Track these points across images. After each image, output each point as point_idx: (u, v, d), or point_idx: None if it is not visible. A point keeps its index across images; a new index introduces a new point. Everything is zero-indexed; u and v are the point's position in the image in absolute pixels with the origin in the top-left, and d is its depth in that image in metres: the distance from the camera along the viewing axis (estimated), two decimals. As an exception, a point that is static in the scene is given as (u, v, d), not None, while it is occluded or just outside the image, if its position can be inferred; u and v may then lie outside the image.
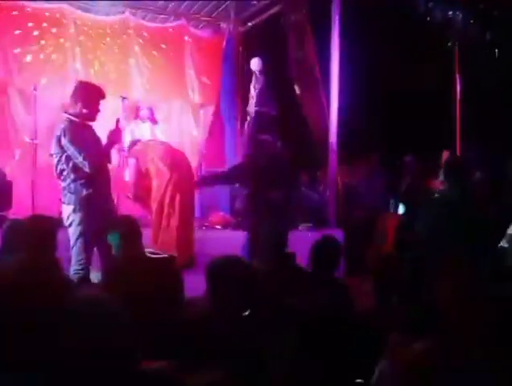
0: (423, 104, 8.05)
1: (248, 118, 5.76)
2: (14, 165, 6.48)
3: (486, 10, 6.45)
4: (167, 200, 5.23)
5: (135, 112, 6.62)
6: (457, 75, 6.26)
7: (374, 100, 8.30)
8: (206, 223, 6.30)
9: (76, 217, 4.09)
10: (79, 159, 4.04)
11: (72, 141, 4.04)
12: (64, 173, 4.12)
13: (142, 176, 5.40)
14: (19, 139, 6.55)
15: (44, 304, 2.47)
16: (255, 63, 5.30)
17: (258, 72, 5.20)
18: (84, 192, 4.10)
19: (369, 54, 7.82)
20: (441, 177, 4.84)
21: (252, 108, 5.65)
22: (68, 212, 4.12)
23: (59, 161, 4.12)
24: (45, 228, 3.63)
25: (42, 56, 6.79)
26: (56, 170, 4.16)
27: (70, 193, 4.11)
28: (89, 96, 4.21)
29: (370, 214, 6.65)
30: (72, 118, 4.13)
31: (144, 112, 6.55)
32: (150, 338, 2.56)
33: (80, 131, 4.12)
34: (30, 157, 6.04)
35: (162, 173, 5.30)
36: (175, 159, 5.48)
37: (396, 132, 8.45)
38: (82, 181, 4.11)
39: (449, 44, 6.38)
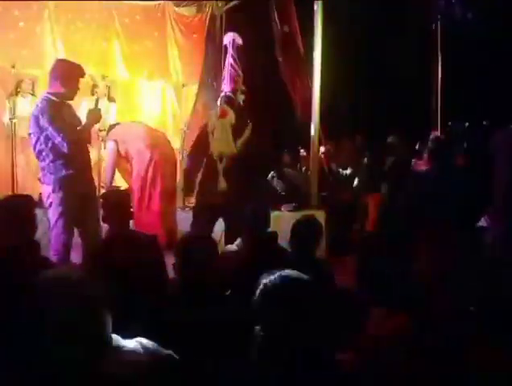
0: (405, 84, 8.05)
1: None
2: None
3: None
4: (148, 181, 5.19)
5: (91, 89, 6.47)
6: (439, 55, 6.25)
7: (358, 80, 8.28)
8: (188, 204, 6.27)
9: (56, 197, 4.05)
10: (57, 139, 3.98)
11: (51, 121, 3.96)
12: (43, 153, 4.05)
13: (122, 158, 5.34)
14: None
15: (18, 280, 2.48)
16: (227, 38, 5.11)
17: (229, 46, 5.01)
18: (64, 172, 4.05)
19: (352, 29, 7.79)
20: (425, 156, 4.89)
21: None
22: (48, 192, 4.08)
23: (37, 141, 4.04)
24: (22, 207, 3.58)
25: (20, 36, 6.65)
26: (35, 149, 4.09)
27: (49, 173, 4.06)
28: (68, 74, 4.12)
29: (355, 194, 6.68)
30: (51, 97, 4.06)
31: (102, 90, 6.43)
32: (132, 313, 2.58)
33: (58, 110, 4.04)
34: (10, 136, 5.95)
35: (142, 154, 5.24)
36: (155, 140, 5.43)
37: (380, 113, 8.47)
38: (61, 161, 4.04)
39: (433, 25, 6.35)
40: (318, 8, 6.23)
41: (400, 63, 7.87)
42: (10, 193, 5.56)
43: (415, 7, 6.17)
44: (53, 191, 4.05)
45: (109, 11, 7.17)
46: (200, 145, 4.67)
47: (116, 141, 5.33)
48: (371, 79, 8.43)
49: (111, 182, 5.38)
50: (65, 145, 3.97)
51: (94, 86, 6.51)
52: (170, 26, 7.60)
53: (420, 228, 3.68)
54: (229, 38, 4.91)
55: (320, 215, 5.72)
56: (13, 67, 5.99)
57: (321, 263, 3.58)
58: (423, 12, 6.18)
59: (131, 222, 4.28)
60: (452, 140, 6.07)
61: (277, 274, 1.89)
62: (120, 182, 5.96)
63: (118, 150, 5.25)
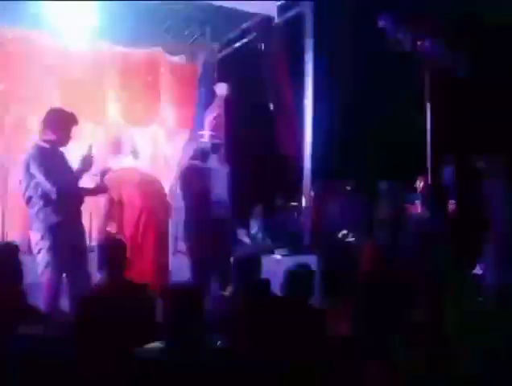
0: (396, 132, 8.18)
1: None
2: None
3: (454, 36, 6.62)
4: (140, 228, 5.16)
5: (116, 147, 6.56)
6: (428, 104, 6.39)
7: (349, 127, 8.41)
8: (179, 249, 6.24)
9: (45, 244, 4.02)
10: (47, 186, 3.98)
11: (40, 168, 3.98)
12: (33, 200, 4.05)
13: (115, 207, 5.32)
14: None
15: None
16: (219, 88, 5.24)
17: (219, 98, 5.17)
18: (53, 220, 4.03)
19: (342, 82, 7.96)
20: (418, 202, 4.94)
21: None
22: (36, 239, 4.05)
23: (27, 187, 4.05)
24: (7, 256, 3.54)
25: (14, 82, 6.73)
26: (24, 196, 4.09)
27: (38, 220, 4.04)
28: (60, 122, 4.17)
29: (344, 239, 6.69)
30: (41, 144, 4.08)
31: (127, 146, 6.50)
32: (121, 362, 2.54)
33: (49, 158, 4.07)
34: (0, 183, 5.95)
35: (134, 201, 5.23)
36: (147, 186, 5.43)
37: (372, 158, 8.56)
38: (50, 208, 4.04)
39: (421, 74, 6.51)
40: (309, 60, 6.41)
41: (389, 113, 8.03)
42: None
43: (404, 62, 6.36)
44: (42, 238, 4.02)
45: (102, 58, 7.28)
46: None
47: (109, 188, 5.33)
48: (359, 125, 8.57)
49: (105, 229, 5.35)
50: (54, 191, 3.96)
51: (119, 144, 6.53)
52: (163, 74, 7.73)
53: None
54: (220, 88, 5.06)
55: (312, 260, 5.74)
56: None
57: (315, 311, 3.57)
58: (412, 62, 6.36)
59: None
60: (445, 185, 6.14)
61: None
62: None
63: (111, 197, 5.24)
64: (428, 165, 6.38)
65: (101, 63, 7.26)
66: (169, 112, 7.68)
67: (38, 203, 4.03)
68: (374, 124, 8.34)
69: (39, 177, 3.98)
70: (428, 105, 6.34)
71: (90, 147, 4.31)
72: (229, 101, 5.01)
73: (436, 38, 6.27)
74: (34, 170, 3.98)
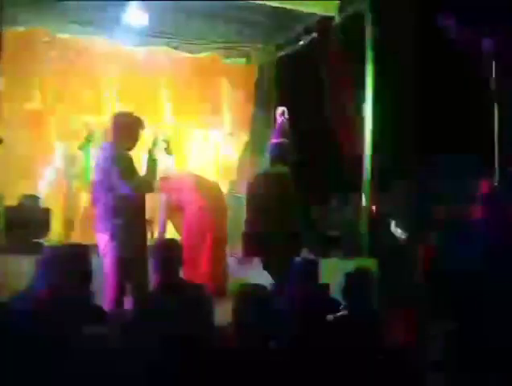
0: (459, 132, 7.92)
1: None
2: (50, 193, 6.59)
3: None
4: (199, 231, 5.20)
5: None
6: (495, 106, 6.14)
7: (410, 128, 8.20)
8: (235, 251, 6.25)
9: (113, 245, 4.10)
10: (125, 189, 4.07)
11: (122, 171, 4.04)
12: (102, 200, 4.14)
13: (174, 210, 5.39)
14: (56, 168, 6.68)
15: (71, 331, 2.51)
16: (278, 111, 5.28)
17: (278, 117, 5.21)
18: (120, 222, 4.12)
19: (404, 77, 7.77)
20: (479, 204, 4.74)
21: None
22: (105, 240, 4.13)
23: (99, 188, 4.13)
24: (79, 257, 3.63)
25: (75, 89, 6.96)
26: (93, 197, 4.17)
27: (106, 220, 4.13)
28: (129, 126, 4.26)
29: (403, 242, 6.51)
30: (119, 148, 4.16)
31: (161, 145, 6.58)
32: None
33: (128, 162, 4.14)
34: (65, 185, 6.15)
35: (193, 203, 5.28)
36: (206, 190, 5.47)
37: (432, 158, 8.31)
38: (119, 209, 4.12)
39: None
40: (369, 57, 6.28)
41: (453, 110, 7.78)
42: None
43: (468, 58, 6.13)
44: (110, 239, 4.09)
45: (161, 63, 7.42)
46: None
47: (168, 193, 5.40)
48: (420, 125, 8.34)
49: (163, 234, 5.42)
50: (132, 196, 4.05)
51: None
52: (219, 77, 7.80)
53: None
54: (279, 111, 5.14)
55: (372, 263, 5.63)
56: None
57: (376, 315, 3.49)
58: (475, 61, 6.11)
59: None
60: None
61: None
62: (172, 234, 6.02)
63: (170, 202, 5.30)
64: (496, 166, 6.10)
65: (159, 67, 7.40)
66: (227, 114, 7.74)
67: (108, 205, 4.10)
68: (435, 124, 8.10)
69: (118, 180, 4.04)
70: (496, 106, 6.07)
71: (152, 152, 4.37)
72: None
73: (502, 37, 6.00)
74: (114, 172, 4.02)
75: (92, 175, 4.24)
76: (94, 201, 4.18)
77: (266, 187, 4.67)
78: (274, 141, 4.98)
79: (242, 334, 2.56)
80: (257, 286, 2.76)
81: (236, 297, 2.68)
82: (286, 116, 5.15)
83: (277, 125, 5.16)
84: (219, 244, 5.32)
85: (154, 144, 6.57)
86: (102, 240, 4.12)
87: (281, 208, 4.58)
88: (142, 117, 4.36)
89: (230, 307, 2.70)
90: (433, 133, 8.19)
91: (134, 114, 4.38)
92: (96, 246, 4.14)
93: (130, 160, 4.14)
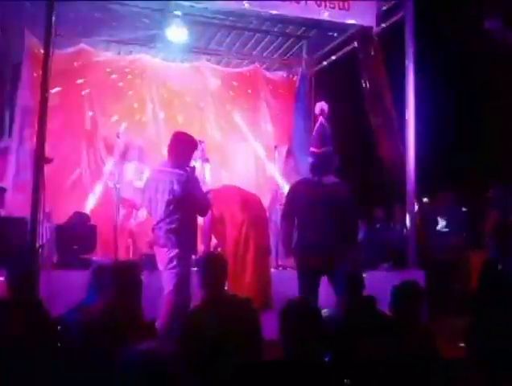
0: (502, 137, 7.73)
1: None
2: (98, 209, 6.76)
3: None
4: (241, 243, 5.23)
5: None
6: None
7: (453, 133, 8.06)
8: (281, 263, 6.25)
9: (180, 260, 4.20)
10: (203, 205, 4.40)
11: (199, 188, 4.43)
12: (175, 216, 4.24)
13: (217, 223, 5.44)
14: (103, 184, 6.85)
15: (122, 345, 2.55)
16: (317, 107, 5.17)
17: (320, 115, 5.06)
18: (185, 234, 4.26)
19: (445, 87, 7.65)
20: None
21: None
22: (169, 256, 4.22)
23: (174, 204, 4.24)
24: (132, 273, 3.70)
25: (123, 106, 7.15)
26: (166, 212, 4.27)
27: (175, 236, 4.22)
28: (186, 146, 4.40)
29: (452, 253, 6.37)
30: (186, 169, 4.33)
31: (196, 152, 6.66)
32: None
33: (197, 181, 4.44)
34: (113, 201, 6.28)
35: (235, 216, 5.32)
36: (247, 202, 5.50)
37: (479, 165, 8.13)
38: (186, 224, 4.28)
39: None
40: (410, 64, 6.23)
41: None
42: (112, 255, 5.88)
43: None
44: (178, 254, 4.20)
45: (202, 79, 7.54)
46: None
47: (211, 207, 5.46)
48: (463, 135, 8.18)
49: (208, 247, 5.49)
50: (207, 208, 4.49)
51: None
52: (261, 90, 7.86)
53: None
54: (318, 107, 4.98)
55: (419, 275, 5.52)
56: (117, 136, 6.40)
57: (424, 329, 3.41)
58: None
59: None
60: None
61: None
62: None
63: (213, 214, 5.36)
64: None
65: (201, 82, 7.52)
66: (269, 126, 7.78)
67: (177, 221, 4.22)
68: (478, 132, 7.93)
69: (198, 196, 4.32)
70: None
71: (194, 169, 4.49)
72: (326, 117, 4.93)
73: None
74: (193, 189, 4.29)
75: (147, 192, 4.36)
76: (166, 215, 4.26)
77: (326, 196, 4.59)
78: (314, 150, 4.85)
79: (290, 348, 2.55)
80: (303, 300, 2.75)
81: (283, 311, 2.67)
82: (326, 110, 4.97)
83: (317, 129, 4.96)
84: (262, 256, 5.33)
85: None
86: (166, 255, 4.22)
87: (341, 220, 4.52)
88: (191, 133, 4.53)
89: (276, 320, 2.71)
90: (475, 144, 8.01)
91: (188, 134, 4.53)
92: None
93: (194, 178, 4.40)
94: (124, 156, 6.69)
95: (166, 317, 4.07)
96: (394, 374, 2.84)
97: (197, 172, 4.74)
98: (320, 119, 4.89)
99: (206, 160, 6.66)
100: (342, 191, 4.59)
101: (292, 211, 4.65)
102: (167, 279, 4.22)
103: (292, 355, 2.49)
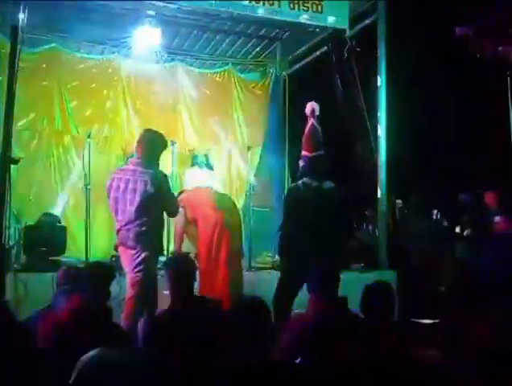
0: (475, 141, 7.84)
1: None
2: (67, 210, 6.66)
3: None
4: (214, 245, 5.20)
5: (192, 160, 6.77)
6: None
7: (425, 136, 8.15)
8: (255, 265, 6.23)
9: (148, 263, 4.13)
10: (175, 205, 4.41)
11: (168, 190, 4.33)
12: (143, 219, 4.13)
13: (190, 225, 5.40)
14: (73, 185, 6.74)
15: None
16: (308, 108, 5.12)
17: (311, 116, 5.01)
18: (154, 236, 4.21)
19: (416, 88, 7.74)
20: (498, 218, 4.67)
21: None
22: (139, 258, 4.13)
23: (141, 210, 4.13)
24: (105, 275, 3.63)
25: (95, 106, 7.06)
26: (135, 219, 4.14)
27: (145, 238, 4.13)
28: (156, 144, 4.34)
29: (426, 251, 6.42)
30: (153, 168, 4.23)
31: (201, 159, 6.73)
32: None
33: (166, 182, 4.34)
34: (83, 202, 6.18)
35: (208, 218, 5.29)
36: (221, 204, 5.47)
37: (450, 169, 8.23)
38: (156, 226, 4.23)
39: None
40: (382, 67, 6.30)
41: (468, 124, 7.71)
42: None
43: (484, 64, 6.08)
44: (146, 259, 4.12)
45: (175, 80, 7.49)
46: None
47: (184, 207, 5.43)
48: (436, 136, 8.28)
49: (180, 248, 5.44)
50: (177, 210, 4.50)
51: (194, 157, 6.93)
52: (235, 91, 7.85)
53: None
54: (309, 107, 4.94)
55: (391, 276, 5.57)
56: (88, 136, 6.28)
57: (396, 330, 3.42)
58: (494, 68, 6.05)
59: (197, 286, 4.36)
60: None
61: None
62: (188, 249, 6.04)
63: (186, 216, 5.32)
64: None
65: (174, 84, 7.47)
66: (243, 127, 7.78)
67: (148, 223, 4.13)
68: (452, 135, 8.04)
69: (166, 197, 4.24)
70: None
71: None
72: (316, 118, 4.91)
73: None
74: (160, 191, 4.17)
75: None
76: (133, 219, 4.15)
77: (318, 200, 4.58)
78: (306, 154, 4.72)
79: (239, 347, 2.52)
80: (254, 299, 2.71)
81: (232, 308, 2.66)
82: (317, 113, 4.92)
83: (308, 131, 4.91)
84: (234, 258, 5.30)
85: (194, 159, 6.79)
86: (131, 255, 4.14)
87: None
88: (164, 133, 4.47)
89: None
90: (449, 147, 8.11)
91: (161, 133, 4.45)
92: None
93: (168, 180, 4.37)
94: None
95: (128, 320, 3.99)
96: (367, 377, 2.83)
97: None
98: (311, 120, 4.83)
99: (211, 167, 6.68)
100: (338, 196, 4.59)
101: (291, 216, 4.63)
102: (132, 282, 4.13)
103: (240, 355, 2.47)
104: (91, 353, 2.48)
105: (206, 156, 7.01)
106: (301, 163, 4.74)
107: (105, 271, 3.64)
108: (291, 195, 4.74)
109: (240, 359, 2.47)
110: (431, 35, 7.19)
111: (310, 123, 4.82)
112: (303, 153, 4.74)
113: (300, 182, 4.64)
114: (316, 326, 3.34)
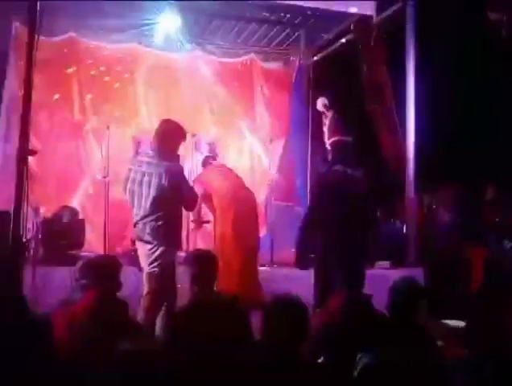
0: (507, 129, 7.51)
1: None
2: (86, 203, 6.56)
3: None
4: (228, 236, 5.11)
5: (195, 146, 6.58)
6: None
7: (454, 125, 7.85)
8: (276, 261, 6.06)
9: (165, 258, 4.02)
10: (191, 199, 4.24)
11: (184, 182, 4.20)
12: (159, 213, 4.02)
13: (207, 200, 5.37)
14: (92, 177, 6.65)
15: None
16: (319, 103, 5.13)
17: (325, 110, 5.01)
18: (171, 230, 4.07)
19: (446, 77, 7.44)
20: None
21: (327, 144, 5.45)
22: (156, 253, 4.02)
23: (157, 203, 4.02)
24: (108, 269, 3.53)
25: (114, 96, 6.94)
26: (151, 213, 4.05)
27: (161, 233, 4.02)
28: (174, 136, 4.21)
29: (456, 246, 6.17)
30: (169, 160, 4.10)
31: (204, 148, 6.52)
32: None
33: (183, 175, 4.23)
34: (102, 194, 6.09)
35: (223, 207, 5.23)
36: (238, 195, 5.38)
37: (478, 159, 7.92)
38: (173, 220, 4.08)
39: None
40: (410, 55, 6.04)
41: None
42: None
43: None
44: (163, 254, 4.02)
45: (196, 70, 7.32)
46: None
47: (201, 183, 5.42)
48: (465, 125, 7.97)
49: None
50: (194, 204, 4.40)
51: (197, 143, 6.65)
52: (257, 82, 7.65)
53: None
54: (321, 103, 4.90)
55: (419, 274, 5.35)
56: (107, 128, 6.18)
57: (423, 330, 3.24)
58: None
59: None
60: None
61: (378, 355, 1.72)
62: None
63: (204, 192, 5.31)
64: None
65: (195, 73, 7.30)
66: (265, 118, 7.58)
67: (164, 217, 4.01)
68: (480, 124, 7.72)
69: (185, 189, 4.13)
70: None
71: None
72: (335, 107, 4.86)
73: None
74: (184, 184, 4.13)
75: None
76: (149, 213, 4.05)
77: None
78: (338, 138, 4.71)
79: (274, 348, 2.39)
80: (291, 298, 2.60)
81: (267, 309, 2.53)
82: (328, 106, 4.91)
83: (331, 119, 4.86)
84: (249, 251, 5.18)
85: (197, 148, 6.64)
86: (147, 250, 4.04)
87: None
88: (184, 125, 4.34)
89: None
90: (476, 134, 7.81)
91: (179, 123, 4.32)
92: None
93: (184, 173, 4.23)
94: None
95: (146, 315, 3.90)
96: (391, 379, 2.69)
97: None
98: (331, 112, 4.85)
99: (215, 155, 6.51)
100: (364, 185, 4.45)
101: (320, 206, 4.43)
102: (148, 277, 4.02)
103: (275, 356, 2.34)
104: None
105: (211, 144, 6.67)
106: (331, 150, 4.62)
107: (109, 263, 3.52)
108: (324, 182, 4.57)
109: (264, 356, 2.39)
110: (462, 22, 6.89)
111: (331, 114, 4.80)
112: (339, 138, 4.64)
113: (334, 168, 4.45)
114: (339, 325, 3.20)
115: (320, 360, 2.70)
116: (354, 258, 4.16)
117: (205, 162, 5.91)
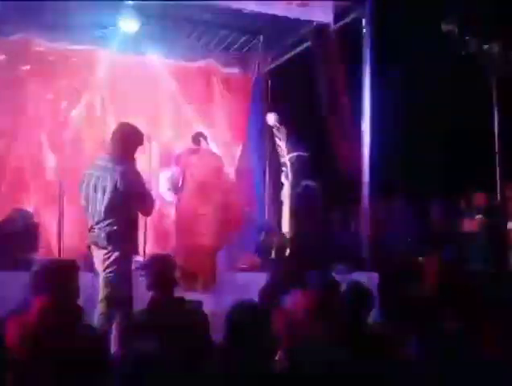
0: (459, 143, 7.80)
1: (283, 169, 5.72)
2: (41, 207, 6.41)
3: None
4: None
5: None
6: (496, 112, 5.97)
7: (409, 137, 8.08)
8: (234, 265, 6.09)
9: (120, 262, 4.00)
10: (149, 204, 4.13)
11: (141, 187, 4.14)
12: (114, 218, 3.98)
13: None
14: (47, 181, 6.50)
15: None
16: (270, 119, 5.26)
17: (276, 126, 5.15)
18: (127, 235, 4.06)
19: (402, 90, 7.66)
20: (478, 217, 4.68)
21: (285, 158, 5.62)
22: (111, 258, 4.00)
23: (112, 208, 3.98)
24: (65, 272, 3.47)
25: (68, 99, 6.81)
26: (106, 218, 4.01)
27: (117, 238, 3.99)
28: (131, 139, 4.17)
29: (407, 255, 6.35)
30: (125, 164, 4.05)
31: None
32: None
33: (141, 179, 4.18)
34: (57, 199, 5.97)
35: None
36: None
37: (430, 172, 8.19)
38: (129, 225, 4.06)
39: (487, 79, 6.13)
40: (366, 64, 6.15)
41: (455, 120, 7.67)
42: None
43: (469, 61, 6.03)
44: (118, 259, 4.00)
45: (153, 73, 7.27)
46: None
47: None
48: (421, 134, 8.21)
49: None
50: (152, 209, 4.28)
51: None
52: (215, 86, 7.65)
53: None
54: (272, 118, 5.05)
55: (372, 279, 5.48)
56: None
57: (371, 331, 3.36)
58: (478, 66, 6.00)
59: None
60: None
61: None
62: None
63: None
64: (497, 178, 5.93)
65: (153, 77, 7.24)
66: (223, 124, 7.59)
67: (115, 221, 3.98)
68: (437, 132, 7.97)
69: (139, 195, 4.07)
70: (496, 111, 5.92)
71: None
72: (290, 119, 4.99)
73: (505, 41, 5.90)
74: (138, 187, 4.06)
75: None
76: (103, 218, 4.01)
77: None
78: (298, 154, 4.85)
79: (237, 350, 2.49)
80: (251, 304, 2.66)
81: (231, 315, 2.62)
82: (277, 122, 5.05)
83: (286, 136, 4.99)
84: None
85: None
86: (102, 255, 4.00)
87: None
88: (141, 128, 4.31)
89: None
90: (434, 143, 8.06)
91: (136, 127, 4.29)
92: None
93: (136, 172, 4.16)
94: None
95: (101, 320, 3.91)
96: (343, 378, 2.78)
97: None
98: (282, 128, 4.99)
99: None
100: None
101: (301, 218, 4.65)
102: (104, 282, 4.00)
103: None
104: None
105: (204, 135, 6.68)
106: (290, 165, 4.76)
107: (66, 267, 3.46)
108: (303, 198, 4.75)
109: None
110: (418, 32, 7.10)
111: (284, 130, 4.98)
112: (292, 155, 4.81)
113: (304, 184, 4.68)
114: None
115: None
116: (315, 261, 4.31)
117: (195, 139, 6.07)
